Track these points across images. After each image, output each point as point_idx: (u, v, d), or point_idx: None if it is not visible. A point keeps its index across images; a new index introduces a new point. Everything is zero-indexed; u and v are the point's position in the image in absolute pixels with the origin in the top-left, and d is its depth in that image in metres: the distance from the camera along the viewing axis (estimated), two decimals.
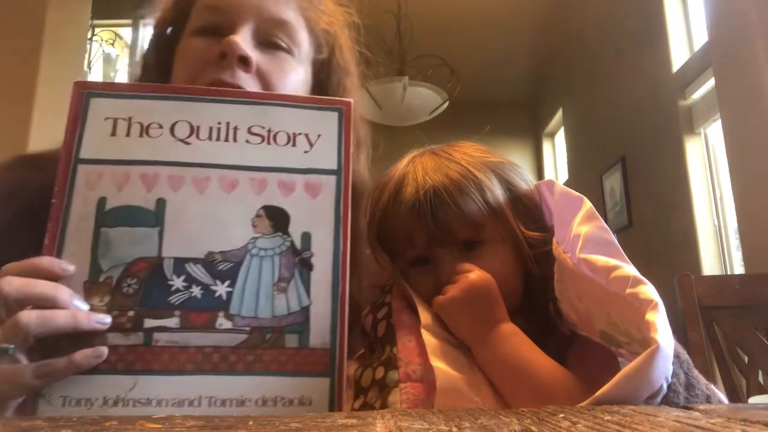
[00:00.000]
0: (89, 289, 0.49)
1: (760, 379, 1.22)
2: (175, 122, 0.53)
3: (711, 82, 2.46)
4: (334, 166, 0.55)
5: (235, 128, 0.54)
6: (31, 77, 2.46)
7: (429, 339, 0.59)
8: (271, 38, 0.70)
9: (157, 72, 0.73)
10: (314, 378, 0.49)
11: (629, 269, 0.51)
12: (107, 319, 0.48)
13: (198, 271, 0.50)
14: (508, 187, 0.68)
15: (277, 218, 0.52)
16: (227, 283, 0.50)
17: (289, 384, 0.48)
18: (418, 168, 0.68)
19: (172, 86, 0.57)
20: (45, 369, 0.46)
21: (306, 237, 0.52)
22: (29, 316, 0.45)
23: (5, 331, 0.45)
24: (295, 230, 0.52)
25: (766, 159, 1.99)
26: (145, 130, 0.53)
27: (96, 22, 3.07)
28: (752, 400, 1.12)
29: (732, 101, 2.20)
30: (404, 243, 0.67)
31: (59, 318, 0.46)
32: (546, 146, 5.08)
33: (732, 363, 1.22)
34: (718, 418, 0.30)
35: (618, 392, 0.43)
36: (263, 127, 0.54)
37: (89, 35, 3.05)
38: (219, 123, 0.54)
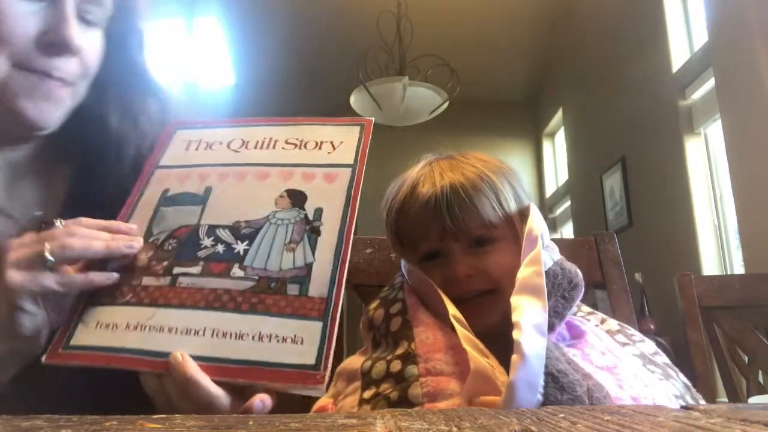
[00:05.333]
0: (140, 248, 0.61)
1: (760, 379, 1.22)
2: (232, 140, 0.68)
3: (711, 82, 2.46)
4: (350, 161, 0.64)
5: (276, 141, 0.67)
6: None
7: (460, 329, 0.62)
8: (86, 15, 0.66)
9: None
10: (309, 321, 0.54)
11: (521, 331, 0.58)
12: (136, 244, 0.59)
13: (225, 234, 0.60)
14: (515, 195, 0.72)
15: (296, 197, 0.62)
16: (246, 242, 0.59)
17: (285, 324, 0.54)
18: (435, 169, 0.73)
19: (240, 119, 0.71)
20: (66, 279, 0.55)
21: (318, 211, 0.60)
22: (74, 241, 0.55)
23: (53, 248, 0.54)
24: (310, 206, 0.61)
25: (766, 159, 1.99)
26: (209, 146, 0.68)
27: None
28: (752, 400, 1.12)
29: (732, 101, 2.20)
30: (418, 237, 0.71)
31: (96, 243, 0.56)
32: (546, 146, 5.08)
33: (732, 363, 1.21)
34: (718, 418, 0.30)
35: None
36: (297, 139, 0.67)
37: None
38: (264, 138, 0.68)
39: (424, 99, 2.94)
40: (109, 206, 0.64)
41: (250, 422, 0.34)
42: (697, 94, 2.67)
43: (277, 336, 0.53)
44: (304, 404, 0.82)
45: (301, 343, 0.52)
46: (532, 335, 0.57)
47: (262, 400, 0.51)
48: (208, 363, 0.52)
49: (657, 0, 2.93)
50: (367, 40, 2.93)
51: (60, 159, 0.74)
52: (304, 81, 4.58)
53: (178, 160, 0.68)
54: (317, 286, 0.55)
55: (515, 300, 0.61)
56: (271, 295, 0.55)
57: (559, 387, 0.56)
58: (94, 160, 0.73)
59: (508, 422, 0.32)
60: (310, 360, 0.51)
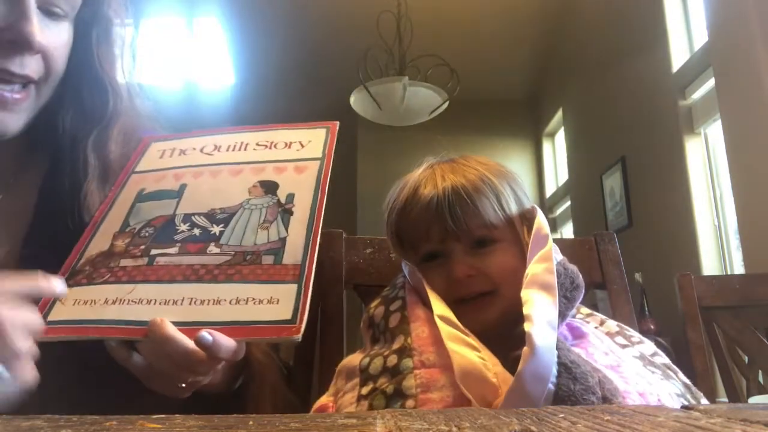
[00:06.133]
0: (116, 236, 0.62)
1: (760, 379, 1.22)
2: (204, 145, 0.71)
3: (711, 82, 2.46)
4: (319, 156, 0.67)
5: (247, 144, 0.70)
6: None
7: (444, 326, 0.63)
8: (52, 7, 0.62)
9: None
10: (284, 284, 0.55)
11: (532, 323, 0.58)
12: (60, 288, 0.54)
13: (201, 220, 0.62)
14: (515, 197, 0.73)
15: (268, 186, 0.64)
16: (222, 225, 0.61)
17: (261, 288, 0.55)
18: (436, 171, 0.74)
19: (210, 130, 0.73)
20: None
21: (290, 196, 0.63)
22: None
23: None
24: (282, 193, 0.63)
25: (766, 159, 1.99)
26: (183, 152, 0.71)
27: None
28: (752, 400, 1.12)
29: (732, 101, 2.20)
30: (420, 238, 0.72)
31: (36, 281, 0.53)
32: (546, 146, 5.08)
33: (732, 363, 1.21)
34: (718, 418, 0.30)
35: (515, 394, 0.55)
36: (268, 141, 0.70)
37: None
38: (236, 142, 0.70)
39: (424, 99, 2.94)
40: (70, 213, 0.63)
41: (250, 422, 0.34)
42: (697, 94, 2.67)
43: (253, 299, 0.54)
44: (304, 404, 0.82)
45: (277, 303, 0.53)
46: (543, 328, 0.58)
47: (210, 333, 0.51)
48: (186, 327, 0.52)
49: (657, 0, 2.93)
50: (367, 40, 2.93)
51: (26, 165, 0.70)
52: (304, 81, 4.57)
53: (153, 166, 0.70)
54: (291, 255, 0.57)
55: (526, 294, 0.62)
56: (246, 266, 0.57)
57: (572, 377, 0.57)
58: (56, 162, 0.70)
59: (508, 422, 0.32)
60: (287, 316, 0.52)
